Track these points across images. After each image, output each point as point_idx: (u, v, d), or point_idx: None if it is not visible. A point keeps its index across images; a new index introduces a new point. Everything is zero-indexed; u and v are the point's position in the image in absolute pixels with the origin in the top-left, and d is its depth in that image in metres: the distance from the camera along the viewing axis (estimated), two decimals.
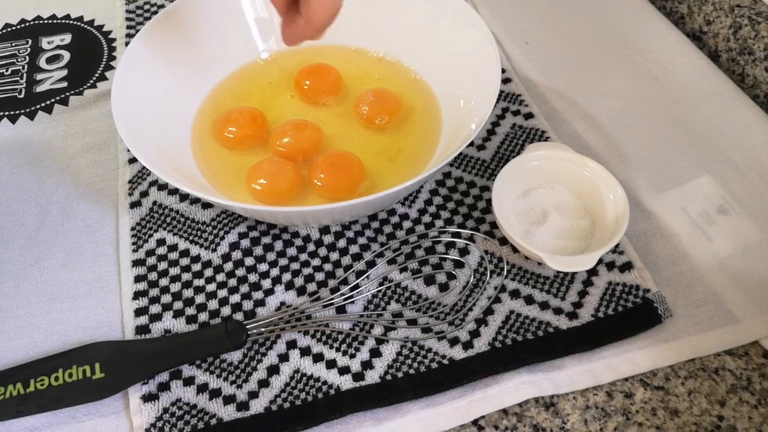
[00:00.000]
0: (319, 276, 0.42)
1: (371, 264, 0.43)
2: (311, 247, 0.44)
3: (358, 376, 0.38)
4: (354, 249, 0.43)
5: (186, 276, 0.43)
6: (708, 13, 0.59)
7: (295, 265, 0.43)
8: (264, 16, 0.53)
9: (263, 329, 0.39)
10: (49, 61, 0.59)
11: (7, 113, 0.54)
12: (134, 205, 0.46)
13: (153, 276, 0.43)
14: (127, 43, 0.59)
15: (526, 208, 0.44)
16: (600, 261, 0.42)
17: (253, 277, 0.42)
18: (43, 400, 0.36)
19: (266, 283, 0.42)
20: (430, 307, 0.41)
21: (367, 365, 0.38)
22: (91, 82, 0.56)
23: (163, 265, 0.43)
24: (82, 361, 0.37)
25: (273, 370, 0.38)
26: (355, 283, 0.41)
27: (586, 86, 0.54)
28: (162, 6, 0.62)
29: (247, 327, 0.39)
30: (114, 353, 0.38)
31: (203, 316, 0.41)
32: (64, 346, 0.40)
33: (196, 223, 0.45)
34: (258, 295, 0.41)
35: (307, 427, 0.36)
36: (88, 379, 0.37)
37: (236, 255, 0.43)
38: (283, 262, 0.43)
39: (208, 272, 0.43)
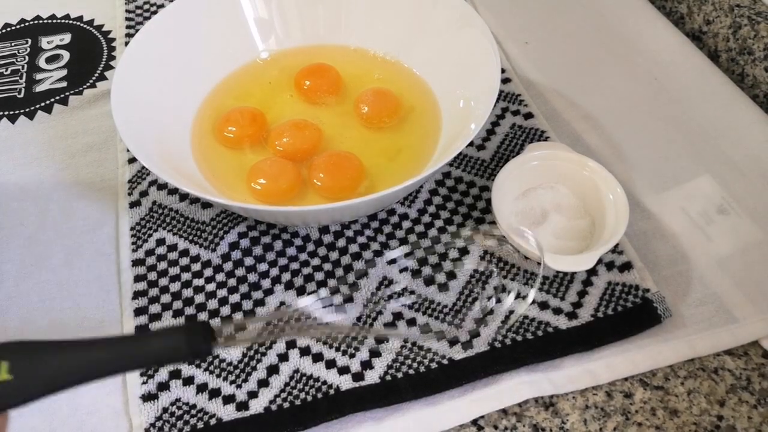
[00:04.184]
0: (319, 275, 0.42)
1: (371, 264, 0.43)
2: (311, 246, 0.44)
3: (357, 376, 0.38)
4: (354, 248, 0.43)
5: (186, 276, 0.43)
6: (708, 13, 0.59)
7: (294, 265, 0.43)
8: (264, 16, 0.53)
9: (237, 336, 0.31)
10: (48, 60, 0.58)
11: (6, 113, 0.54)
12: (134, 204, 0.46)
13: (152, 276, 0.43)
14: (127, 43, 0.58)
15: (525, 208, 0.44)
16: (600, 261, 0.42)
17: (252, 277, 0.42)
18: None
19: (266, 283, 0.42)
20: (429, 307, 0.41)
21: (366, 365, 0.38)
22: (91, 82, 0.56)
23: (162, 265, 0.43)
24: None
25: (272, 369, 0.38)
26: (355, 282, 0.41)
27: (586, 86, 0.54)
28: (162, 6, 0.62)
29: (216, 334, 0.29)
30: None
31: (203, 316, 0.41)
32: None
33: (195, 223, 0.45)
34: (258, 294, 0.41)
35: (307, 427, 0.36)
36: None
37: (236, 255, 0.43)
38: (282, 261, 0.43)
39: (208, 272, 0.43)
